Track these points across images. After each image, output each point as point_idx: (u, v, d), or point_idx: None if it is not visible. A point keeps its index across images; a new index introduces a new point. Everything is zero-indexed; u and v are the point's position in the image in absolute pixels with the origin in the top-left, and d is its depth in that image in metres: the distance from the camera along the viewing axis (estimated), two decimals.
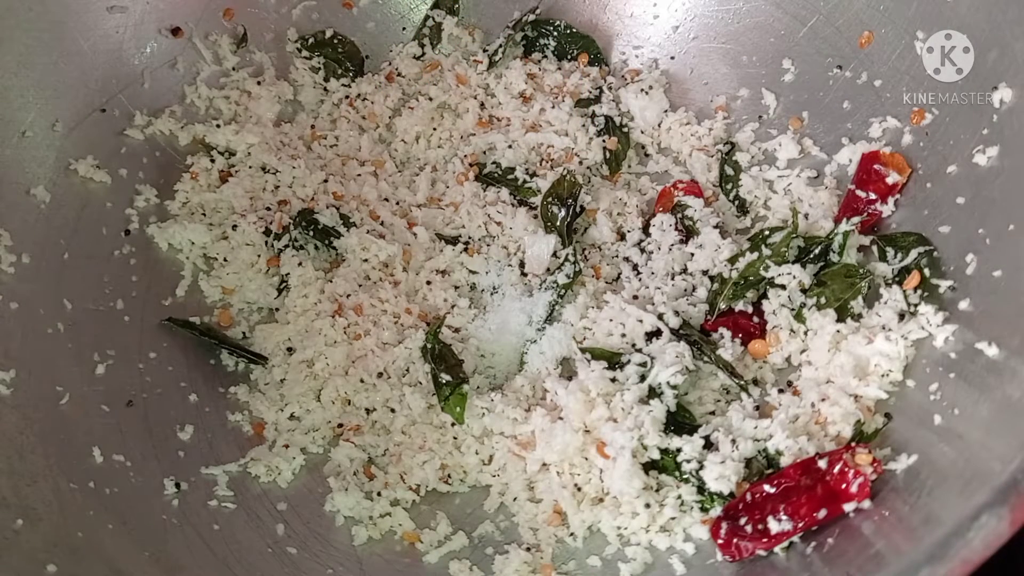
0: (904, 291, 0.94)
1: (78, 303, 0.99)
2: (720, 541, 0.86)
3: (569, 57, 1.22)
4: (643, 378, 0.95)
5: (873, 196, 1.01)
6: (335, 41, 1.22)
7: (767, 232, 1.02)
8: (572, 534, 0.93)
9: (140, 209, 1.08)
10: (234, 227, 1.09)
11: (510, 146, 1.15)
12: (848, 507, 0.81)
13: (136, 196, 1.08)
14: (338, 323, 1.04)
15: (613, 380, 0.96)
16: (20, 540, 0.82)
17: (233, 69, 1.18)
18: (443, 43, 1.23)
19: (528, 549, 0.93)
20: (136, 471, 0.93)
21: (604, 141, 1.15)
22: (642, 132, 1.17)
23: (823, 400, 0.91)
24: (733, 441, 0.91)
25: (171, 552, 0.90)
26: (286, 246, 1.09)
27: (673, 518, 0.90)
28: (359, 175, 1.15)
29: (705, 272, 1.03)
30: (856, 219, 1.00)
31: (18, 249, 0.97)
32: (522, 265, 1.08)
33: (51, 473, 0.89)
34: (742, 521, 0.85)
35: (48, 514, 0.86)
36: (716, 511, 0.88)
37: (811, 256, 1.00)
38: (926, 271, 0.94)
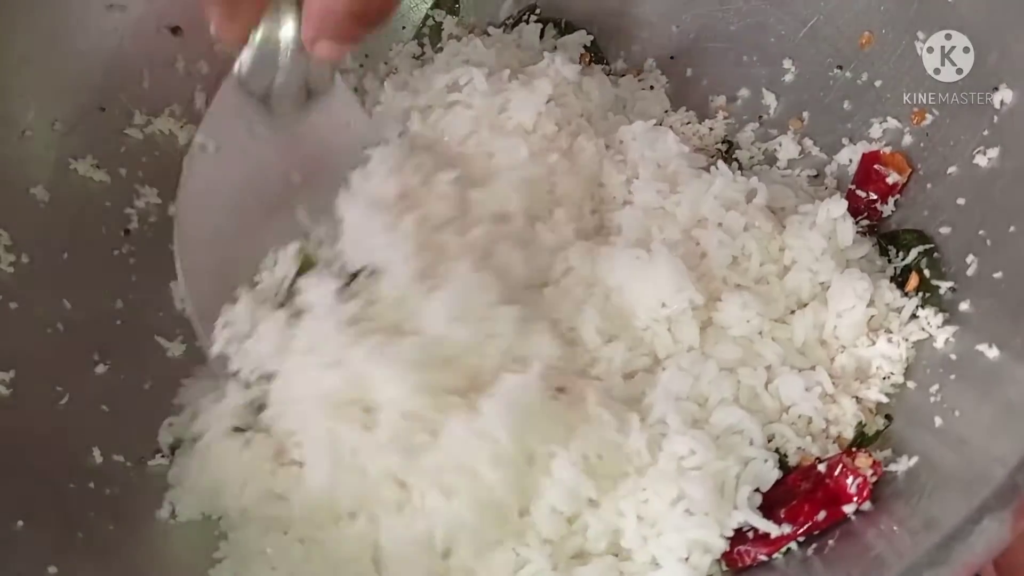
0: (905, 292, 0.94)
1: (78, 303, 0.98)
2: None
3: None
4: None
5: (873, 196, 1.01)
6: None
7: None
8: None
9: (140, 209, 1.08)
10: None
11: None
12: (847, 508, 0.81)
13: (136, 196, 1.08)
14: None
15: None
16: (20, 540, 0.82)
17: None
18: (443, 43, 1.23)
19: None
20: (136, 471, 0.93)
21: None
22: None
23: (824, 401, 0.91)
24: None
25: (171, 552, 0.90)
26: None
27: None
28: None
29: None
30: (858, 220, 1.00)
31: (18, 249, 0.96)
32: None
33: (51, 473, 0.88)
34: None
35: (48, 514, 0.86)
36: None
37: None
38: (926, 272, 0.94)
